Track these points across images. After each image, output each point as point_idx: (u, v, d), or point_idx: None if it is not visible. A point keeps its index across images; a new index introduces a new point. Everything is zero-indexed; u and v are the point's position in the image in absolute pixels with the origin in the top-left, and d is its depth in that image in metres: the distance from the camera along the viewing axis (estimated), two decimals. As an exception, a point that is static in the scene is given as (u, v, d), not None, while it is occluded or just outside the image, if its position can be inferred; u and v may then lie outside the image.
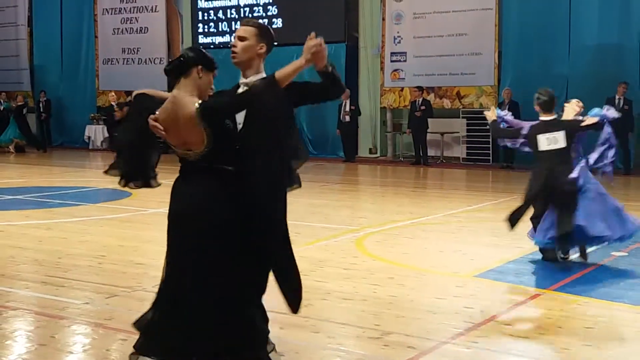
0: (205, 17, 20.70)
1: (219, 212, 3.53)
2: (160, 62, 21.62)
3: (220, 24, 20.50)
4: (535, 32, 16.03)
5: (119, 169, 3.81)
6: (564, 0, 15.85)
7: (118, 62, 22.39)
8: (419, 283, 6.08)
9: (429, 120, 16.63)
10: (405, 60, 17.92)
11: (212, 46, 20.65)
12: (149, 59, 21.77)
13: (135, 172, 3.79)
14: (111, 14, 22.34)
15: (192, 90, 3.54)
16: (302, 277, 6.25)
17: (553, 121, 6.69)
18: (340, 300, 5.54)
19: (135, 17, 21.90)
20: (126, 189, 3.96)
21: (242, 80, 3.74)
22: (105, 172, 3.88)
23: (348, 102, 17.40)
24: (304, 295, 5.65)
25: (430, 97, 17.26)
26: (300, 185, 3.77)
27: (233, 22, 20.25)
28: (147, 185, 3.81)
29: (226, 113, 3.51)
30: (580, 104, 7.07)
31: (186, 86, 3.56)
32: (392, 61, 18.11)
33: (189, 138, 3.51)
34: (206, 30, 20.75)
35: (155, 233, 8.41)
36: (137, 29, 21.98)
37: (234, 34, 3.79)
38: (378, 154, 18.48)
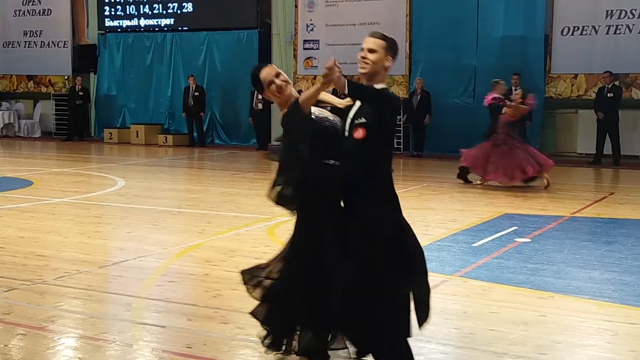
0: (112, 0, 20.06)
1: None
2: (64, 46, 20.86)
3: (128, 7, 19.89)
4: (445, 22, 16.35)
5: None
6: (472, -8, 16.24)
7: (19, 45, 21.46)
8: (329, 271, 6.07)
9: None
10: (318, 48, 17.94)
11: (119, 30, 20.07)
12: (52, 42, 20.96)
13: None
14: (12, -6, 21.38)
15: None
16: (211, 267, 6.18)
17: None
18: (250, 289, 5.47)
19: (38, -1, 21.05)
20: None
21: None
22: None
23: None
24: (213, 285, 5.59)
25: (344, 85, 17.33)
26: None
27: (141, 6, 19.71)
28: None
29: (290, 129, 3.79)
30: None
31: None
32: (305, 49, 18.10)
33: None
34: (113, 13, 20.09)
35: (57, 223, 8.11)
36: (39, 11, 21.09)
37: (363, 44, 3.77)
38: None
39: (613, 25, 15.30)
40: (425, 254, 6.88)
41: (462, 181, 11.51)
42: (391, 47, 3.77)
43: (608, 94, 14.49)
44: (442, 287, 5.59)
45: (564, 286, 5.65)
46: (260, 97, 17.14)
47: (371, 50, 3.74)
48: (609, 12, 15.29)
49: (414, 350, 3.86)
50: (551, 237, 7.53)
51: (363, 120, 3.68)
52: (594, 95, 14.99)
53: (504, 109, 11.10)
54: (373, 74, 3.75)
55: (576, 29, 15.61)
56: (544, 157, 11.23)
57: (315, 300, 3.74)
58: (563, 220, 8.53)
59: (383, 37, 3.77)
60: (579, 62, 15.57)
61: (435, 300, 5.27)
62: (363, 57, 3.75)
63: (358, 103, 3.79)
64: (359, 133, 3.67)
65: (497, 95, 11.28)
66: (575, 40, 15.60)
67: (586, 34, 15.52)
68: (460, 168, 11.55)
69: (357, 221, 3.69)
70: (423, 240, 7.16)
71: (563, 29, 15.74)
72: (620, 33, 15.24)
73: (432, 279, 5.85)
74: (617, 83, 14.72)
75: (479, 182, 11.40)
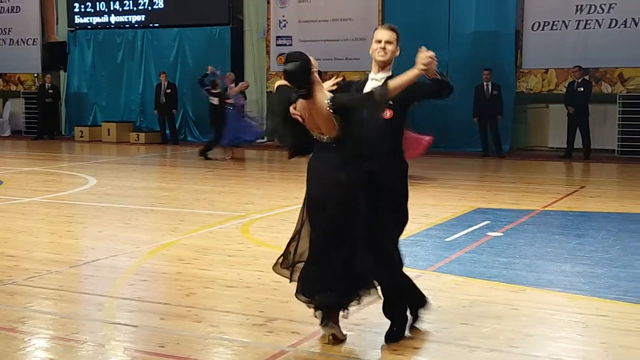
0: (83, -4, 19.82)
1: (343, 180, 4.08)
2: (33, 43, 20.58)
3: (98, 3, 19.66)
4: (417, 18, 16.36)
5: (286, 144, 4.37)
6: (444, -12, 16.30)
7: (-13, 43, 21.16)
8: (303, 268, 6.06)
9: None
10: (291, 44, 17.88)
11: (89, 27, 19.84)
12: (22, 39, 20.66)
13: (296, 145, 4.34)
14: (-21, -9, 21.04)
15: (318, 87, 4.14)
16: (184, 265, 6.14)
17: None
18: (224, 288, 5.47)
19: (7, -5, 20.74)
20: None
21: (373, 75, 4.35)
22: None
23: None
24: (186, 284, 5.55)
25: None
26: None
27: (111, 2, 19.50)
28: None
29: (351, 108, 4.05)
30: None
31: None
32: (277, 45, 18.04)
33: (322, 126, 4.09)
34: (82, 10, 19.85)
35: (28, 223, 8.00)
36: (8, 8, 20.78)
37: (379, 36, 4.32)
38: (265, 139, 18.39)
39: (583, 20, 15.46)
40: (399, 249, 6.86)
41: None
42: (399, 38, 4.38)
43: (578, 89, 14.65)
44: (416, 282, 5.58)
45: (536, 279, 5.70)
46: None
47: (388, 42, 4.31)
48: (579, 7, 15.44)
49: (388, 345, 3.88)
50: (523, 231, 7.60)
51: (390, 102, 4.13)
52: (564, 90, 15.14)
53: None
54: (388, 62, 4.32)
55: (546, 24, 15.74)
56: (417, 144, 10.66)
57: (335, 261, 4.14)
58: (534, 214, 8.61)
59: (395, 30, 4.36)
60: (549, 57, 15.71)
61: (409, 295, 5.29)
62: (383, 48, 4.29)
63: (370, 85, 4.24)
64: (387, 113, 4.17)
65: None
66: (545, 35, 15.75)
67: (556, 29, 15.67)
68: None
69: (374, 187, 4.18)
70: (396, 236, 7.21)
71: (533, 24, 15.87)
72: (590, 28, 15.40)
73: (406, 274, 5.88)
74: (587, 77, 14.88)
75: None
